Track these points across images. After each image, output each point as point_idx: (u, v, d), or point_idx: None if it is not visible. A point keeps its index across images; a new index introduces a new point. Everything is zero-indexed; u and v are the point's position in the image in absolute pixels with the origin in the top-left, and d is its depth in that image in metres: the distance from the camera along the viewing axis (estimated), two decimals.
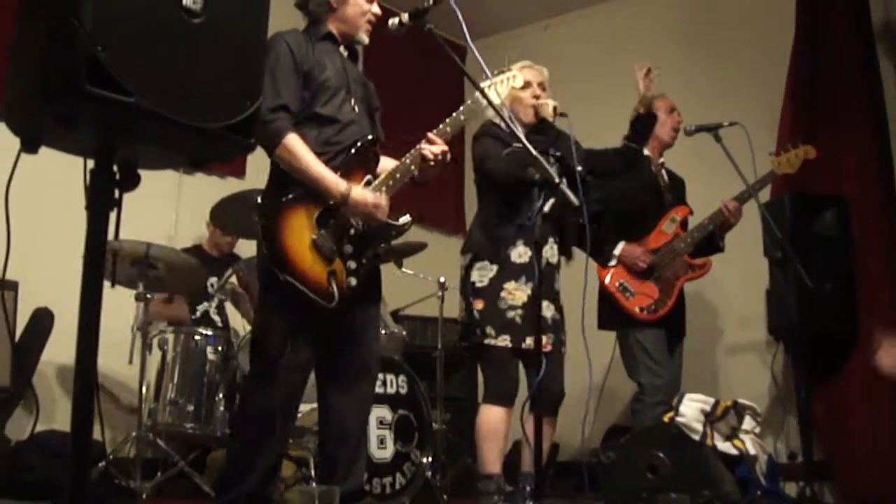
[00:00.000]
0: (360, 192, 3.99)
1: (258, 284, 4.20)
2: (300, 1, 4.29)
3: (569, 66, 8.01)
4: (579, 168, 4.65)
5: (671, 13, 8.34)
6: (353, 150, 4.08)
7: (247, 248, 6.37)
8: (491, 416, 4.84)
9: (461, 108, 4.35)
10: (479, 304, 4.90)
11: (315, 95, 4.04)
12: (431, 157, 4.12)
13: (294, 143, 3.88)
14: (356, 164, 4.08)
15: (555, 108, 4.90)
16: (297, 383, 3.95)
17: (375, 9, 4.26)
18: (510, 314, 4.81)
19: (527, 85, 5.01)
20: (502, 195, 4.93)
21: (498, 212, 4.97)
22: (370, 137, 4.15)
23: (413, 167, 4.14)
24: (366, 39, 4.28)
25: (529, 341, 4.72)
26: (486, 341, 4.83)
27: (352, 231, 3.99)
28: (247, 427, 4.01)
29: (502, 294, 4.84)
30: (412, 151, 4.15)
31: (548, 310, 4.86)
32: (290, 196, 3.91)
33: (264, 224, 3.88)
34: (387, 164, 4.28)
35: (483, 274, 4.91)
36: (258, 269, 4.16)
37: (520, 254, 4.87)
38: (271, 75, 3.88)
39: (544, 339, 4.71)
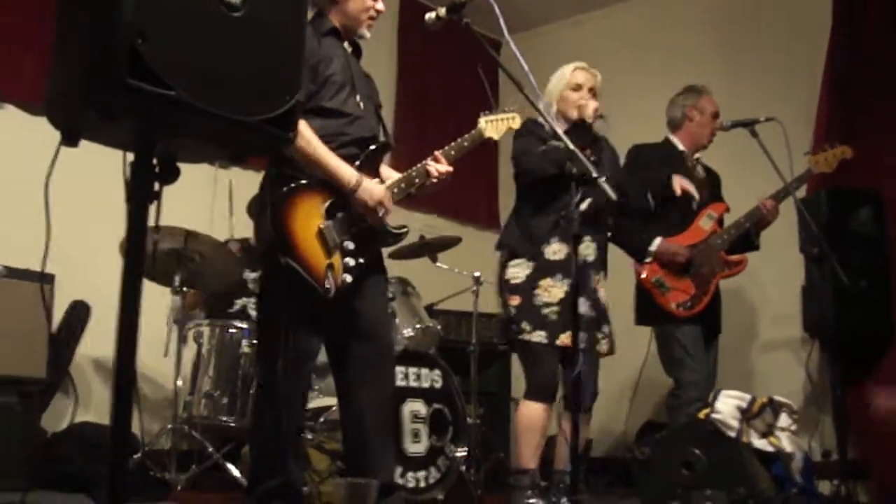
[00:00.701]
0: (371, 184, 4.03)
1: None
2: None
3: (600, 62, 7.92)
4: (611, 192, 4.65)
5: (704, 6, 8.30)
6: (371, 148, 4.12)
7: None
8: (530, 412, 4.84)
9: (466, 136, 4.49)
10: (514, 301, 4.91)
11: (320, 90, 4.05)
12: (436, 175, 4.23)
13: (305, 130, 3.88)
14: (369, 165, 4.12)
15: (595, 110, 4.89)
16: (301, 371, 3.96)
17: (379, 5, 4.27)
18: (545, 311, 4.82)
19: (578, 87, 5.04)
20: (538, 192, 4.94)
21: (534, 208, 4.98)
22: (382, 141, 4.21)
23: (417, 181, 4.24)
24: (367, 34, 4.29)
25: (564, 337, 4.73)
26: (522, 336, 4.84)
27: (355, 229, 4.01)
28: (259, 418, 4.05)
29: (537, 291, 4.85)
30: (418, 166, 4.25)
31: (582, 307, 4.82)
32: (300, 183, 3.93)
33: (271, 209, 3.88)
34: (384, 170, 4.35)
35: (518, 270, 4.92)
36: (257, 253, 4.20)
37: (555, 251, 4.87)
38: None
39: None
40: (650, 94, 6.51)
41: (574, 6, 9.14)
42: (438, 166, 4.24)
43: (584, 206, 4.74)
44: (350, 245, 3.99)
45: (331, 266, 3.90)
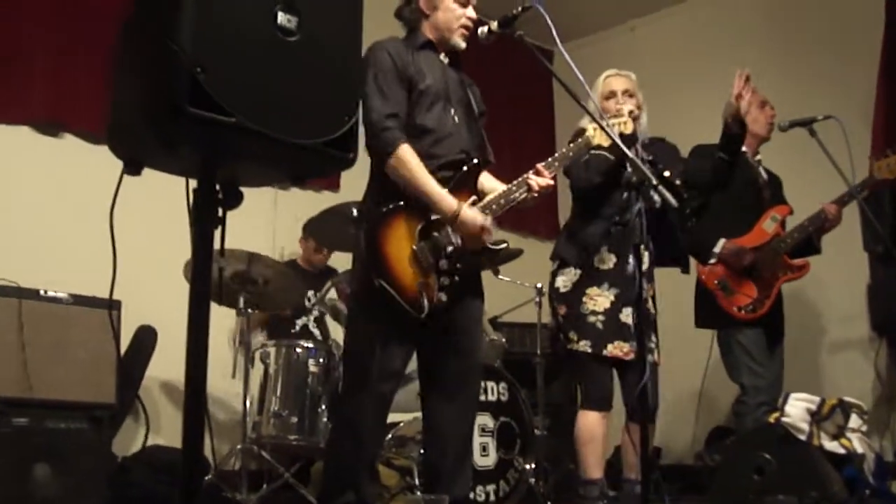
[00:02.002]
0: (471, 213, 3.95)
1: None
2: (397, 10, 4.29)
3: (656, 66, 7.96)
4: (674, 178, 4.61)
5: (757, 6, 8.25)
6: (464, 168, 4.06)
7: (339, 264, 6.43)
8: (588, 422, 4.84)
9: (572, 145, 4.39)
10: (562, 310, 4.91)
11: (416, 105, 4.02)
12: (537, 188, 4.11)
13: (408, 154, 3.86)
14: (464, 183, 4.06)
15: (629, 113, 4.82)
16: (387, 392, 3.93)
17: (470, 12, 4.21)
18: (591, 319, 4.80)
19: (611, 95, 5.02)
20: (588, 201, 4.92)
21: (584, 217, 4.97)
22: (475, 161, 4.12)
23: (518, 195, 4.12)
24: (462, 44, 4.23)
25: (611, 347, 4.73)
26: (570, 346, 4.84)
27: (450, 248, 3.95)
28: (339, 436, 4.04)
29: (584, 299, 4.84)
30: (519, 180, 4.14)
31: (633, 317, 4.79)
32: (394, 205, 3.90)
33: (367, 229, 3.88)
34: (485, 179, 4.28)
35: (567, 279, 4.91)
36: (353, 274, 4.18)
37: (603, 259, 4.85)
38: (376, 84, 3.91)
39: (626, 346, 4.71)
40: (705, 95, 6.46)
41: (627, 11, 9.12)
42: (540, 179, 4.13)
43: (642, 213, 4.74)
44: (444, 264, 3.94)
45: (425, 286, 3.87)
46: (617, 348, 4.72)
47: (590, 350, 4.79)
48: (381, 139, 3.85)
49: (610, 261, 4.85)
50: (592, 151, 4.61)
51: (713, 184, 5.32)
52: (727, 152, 5.17)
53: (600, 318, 4.80)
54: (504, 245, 4.16)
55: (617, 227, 4.85)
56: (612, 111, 4.90)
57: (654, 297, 5.04)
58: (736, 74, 5.10)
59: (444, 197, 3.91)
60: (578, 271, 4.90)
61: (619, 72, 5.15)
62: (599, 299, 4.82)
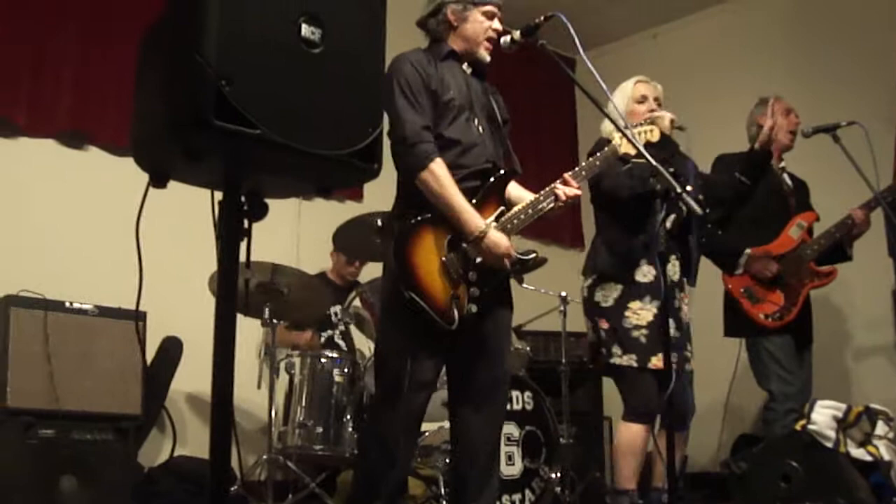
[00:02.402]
0: (497, 236, 3.91)
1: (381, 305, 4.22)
2: (421, 20, 4.27)
3: (679, 73, 7.95)
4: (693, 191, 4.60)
5: (778, 12, 8.22)
6: (491, 181, 4.04)
7: (369, 276, 6.43)
8: (630, 434, 4.81)
9: (599, 154, 4.34)
10: (604, 324, 4.88)
11: (440, 116, 3.99)
12: (564, 198, 4.06)
13: (440, 169, 3.83)
14: (491, 195, 4.04)
15: (672, 121, 4.83)
16: (420, 403, 3.91)
17: (496, 24, 4.18)
18: (635, 333, 4.77)
19: (643, 99, 5.00)
20: (625, 213, 4.88)
21: (622, 230, 4.91)
22: (503, 172, 4.10)
23: (545, 205, 4.08)
24: (487, 57, 4.21)
25: (655, 360, 4.71)
26: (613, 360, 4.81)
27: (479, 259, 3.92)
28: (371, 448, 4.00)
29: (627, 314, 4.80)
30: (546, 190, 4.10)
31: (671, 328, 4.77)
32: (422, 217, 3.87)
33: (395, 241, 3.85)
34: (512, 188, 4.24)
35: (607, 293, 4.88)
36: (382, 286, 4.16)
37: (644, 273, 4.83)
38: (405, 96, 3.89)
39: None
40: (728, 101, 6.47)
41: (650, 19, 9.10)
42: (567, 189, 4.07)
43: (669, 222, 4.72)
44: (474, 276, 3.91)
45: (455, 297, 3.84)
46: (660, 360, 4.69)
47: (635, 364, 4.77)
48: (415, 153, 3.83)
49: (650, 274, 4.82)
50: (633, 160, 4.58)
51: (735, 200, 5.32)
52: (749, 176, 5.16)
53: (644, 331, 4.77)
54: (533, 255, 4.14)
55: (652, 237, 4.83)
56: (640, 115, 4.89)
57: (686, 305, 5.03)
58: (769, 104, 5.08)
59: (473, 216, 3.87)
60: (619, 286, 4.87)
61: (648, 80, 5.12)
62: (642, 313, 4.79)
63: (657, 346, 4.68)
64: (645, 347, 4.75)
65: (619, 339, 4.81)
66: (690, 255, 5.00)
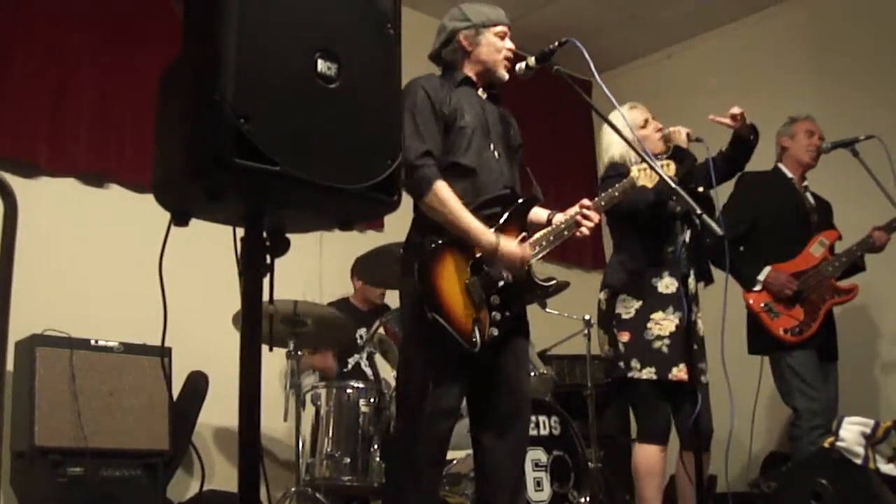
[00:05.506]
0: (509, 247, 3.93)
1: None
2: (433, 53, 4.31)
3: (695, 92, 7.96)
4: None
5: (794, 30, 8.22)
6: (514, 207, 4.06)
7: (395, 298, 6.44)
8: (646, 455, 4.82)
9: (617, 185, 4.34)
10: (624, 337, 4.89)
11: (455, 142, 4.02)
12: (588, 232, 4.10)
13: (443, 191, 3.86)
14: (513, 222, 4.05)
15: (688, 135, 4.86)
16: (444, 430, 3.89)
17: (509, 44, 4.23)
18: (656, 344, 4.79)
19: (645, 123, 5.06)
20: (643, 231, 4.90)
21: (639, 244, 4.94)
22: (526, 200, 4.13)
23: (566, 232, 4.11)
24: (506, 76, 4.24)
25: (676, 371, 4.71)
26: (631, 374, 4.82)
27: (501, 283, 3.95)
28: (397, 477, 4.00)
29: (649, 325, 4.83)
30: (567, 218, 4.13)
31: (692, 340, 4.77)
32: (442, 240, 3.89)
33: (419, 264, 3.85)
34: (537, 213, 4.27)
35: (628, 305, 4.90)
36: (402, 314, 4.18)
37: (666, 285, 4.85)
38: (412, 121, 3.91)
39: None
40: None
41: (663, 39, 9.10)
42: (585, 222, 4.09)
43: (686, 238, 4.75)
44: (496, 300, 3.93)
45: (478, 321, 3.85)
46: (682, 371, 4.70)
47: (654, 377, 4.78)
48: (415, 178, 3.85)
49: (672, 285, 4.85)
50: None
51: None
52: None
53: (666, 342, 4.80)
54: (553, 282, 4.16)
55: (675, 255, 4.84)
56: (653, 139, 4.93)
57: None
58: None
59: (483, 232, 3.90)
60: (639, 300, 4.90)
61: (637, 104, 5.18)
62: (665, 323, 4.82)
63: (679, 356, 4.70)
64: (666, 358, 4.77)
65: (640, 352, 4.83)
66: (702, 256, 5.01)
